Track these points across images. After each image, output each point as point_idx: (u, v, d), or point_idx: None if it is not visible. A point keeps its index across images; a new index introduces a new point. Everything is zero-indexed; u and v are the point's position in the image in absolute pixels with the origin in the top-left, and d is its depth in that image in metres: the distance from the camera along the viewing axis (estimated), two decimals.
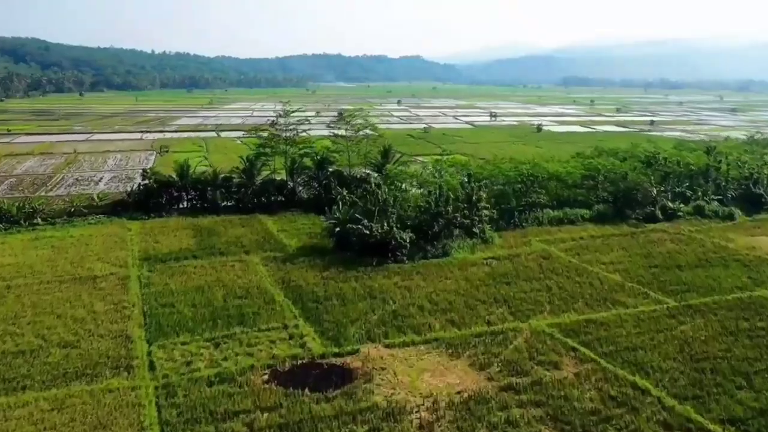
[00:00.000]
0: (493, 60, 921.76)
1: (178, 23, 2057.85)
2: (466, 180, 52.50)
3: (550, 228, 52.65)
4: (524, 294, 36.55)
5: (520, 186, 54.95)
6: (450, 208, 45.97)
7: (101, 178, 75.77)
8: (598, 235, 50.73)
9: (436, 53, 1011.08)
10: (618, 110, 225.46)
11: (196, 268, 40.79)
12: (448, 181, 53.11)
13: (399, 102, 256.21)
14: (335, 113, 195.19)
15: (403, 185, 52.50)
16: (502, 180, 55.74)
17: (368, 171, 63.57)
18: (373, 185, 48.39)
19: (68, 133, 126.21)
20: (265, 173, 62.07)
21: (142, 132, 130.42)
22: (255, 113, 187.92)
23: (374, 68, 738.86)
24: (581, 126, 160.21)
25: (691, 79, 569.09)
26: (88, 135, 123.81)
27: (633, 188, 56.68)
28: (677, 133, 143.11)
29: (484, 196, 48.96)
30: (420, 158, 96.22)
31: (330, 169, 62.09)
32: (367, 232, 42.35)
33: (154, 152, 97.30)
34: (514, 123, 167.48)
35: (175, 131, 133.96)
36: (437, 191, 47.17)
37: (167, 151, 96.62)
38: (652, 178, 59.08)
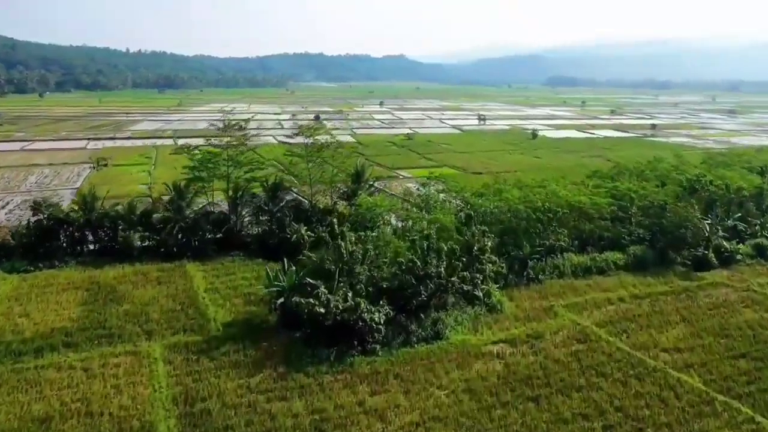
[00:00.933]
0: (477, 60, 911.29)
1: (158, 22, 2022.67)
2: (463, 219, 39.16)
3: (574, 282, 39.33)
4: (563, 424, 23.17)
5: (534, 224, 41.45)
6: (443, 265, 32.46)
7: (8, 203, 61.13)
8: (642, 293, 37.49)
9: (419, 53, 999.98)
10: (612, 112, 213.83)
11: (60, 372, 26.83)
12: (438, 218, 39.65)
13: (381, 103, 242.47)
14: (312, 116, 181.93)
15: (379, 228, 38.68)
16: (510, 214, 42.33)
17: (337, 199, 49.95)
18: (335, 230, 34.64)
19: (4, 141, 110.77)
20: (202, 202, 48.05)
21: (89, 139, 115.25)
22: (225, 116, 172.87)
23: (357, 68, 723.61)
24: (578, 131, 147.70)
25: (679, 79, 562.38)
26: (26, 143, 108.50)
27: (679, 224, 43.55)
28: (683, 139, 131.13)
29: (489, 244, 35.40)
30: (402, 173, 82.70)
31: (286, 198, 48.22)
32: (322, 310, 28.65)
33: (91, 165, 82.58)
34: (506, 127, 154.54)
35: (128, 138, 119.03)
36: (424, 242, 33.43)
37: (105, 165, 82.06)
38: (696, 207, 46.13)
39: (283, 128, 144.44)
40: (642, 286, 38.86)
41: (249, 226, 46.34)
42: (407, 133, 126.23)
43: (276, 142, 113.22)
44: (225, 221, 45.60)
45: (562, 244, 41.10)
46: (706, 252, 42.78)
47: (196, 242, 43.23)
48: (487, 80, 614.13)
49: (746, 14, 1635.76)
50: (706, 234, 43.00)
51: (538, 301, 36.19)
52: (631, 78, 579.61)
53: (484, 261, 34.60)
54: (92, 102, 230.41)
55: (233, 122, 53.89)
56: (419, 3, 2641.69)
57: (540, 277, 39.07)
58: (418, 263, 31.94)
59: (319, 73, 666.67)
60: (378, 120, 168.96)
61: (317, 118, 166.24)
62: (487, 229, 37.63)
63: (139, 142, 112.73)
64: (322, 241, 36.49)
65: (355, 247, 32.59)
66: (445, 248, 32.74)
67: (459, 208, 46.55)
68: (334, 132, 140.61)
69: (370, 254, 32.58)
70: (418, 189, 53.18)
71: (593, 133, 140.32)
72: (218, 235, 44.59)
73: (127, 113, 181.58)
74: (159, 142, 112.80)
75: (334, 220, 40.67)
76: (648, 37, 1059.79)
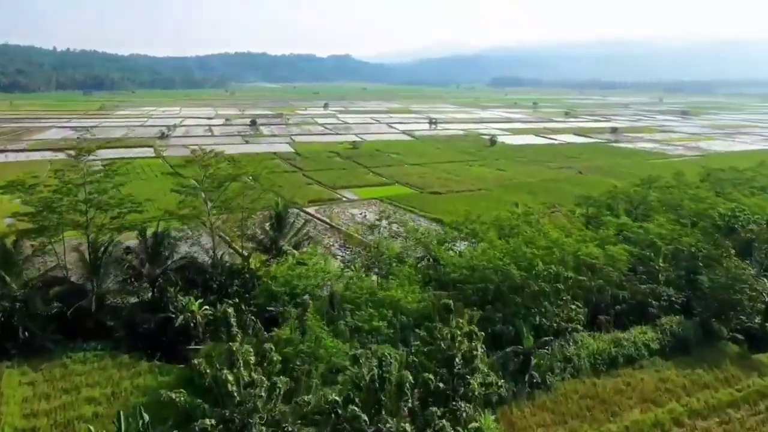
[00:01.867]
0: (422, 59, 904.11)
1: (89, 18, 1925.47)
2: (435, 299, 26.02)
3: (597, 384, 26.63)
4: None
5: (534, 295, 28.44)
6: (406, 406, 18.92)
7: None
8: (702, 406, 24.97)
9: (365, 53, 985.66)
10: (567, 114, 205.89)
11: None
12: (396, 300, 26.33)
13: (326, 105, 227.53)
14: (249, 120, 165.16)
15: (304, 320, 24.89)
16: (496, 277, 29.27)
17: (252, 250, 35.72)
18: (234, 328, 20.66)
19: None
20: (46, 264, 32.91)
21: None
22: (149, 122, 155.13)
23: (303, 68, 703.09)
24: (536, 136, 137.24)
25: (622, 79, 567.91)
26: None
27: (727, 284, 31.37)
28: (648, 145, 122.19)
29: (480, 357, 22.11)
30: (346, 194, 68.77)
31: (175, 255, 33.62)
32: None
33: None
34: (459, 132, 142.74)
35: (22, 150, 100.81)
36: (376, 374, 19.61)
37: None
38: (733, 252, 34.27)
39: (213, 135, 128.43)
40: (696, 387, 26.41)
41: (116, 299, 31.55)
42: (353, 141, 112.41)
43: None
44: (77, 294, 30.70)
45: (578, 326, 28.20)
46: (763, 320, 30.92)
47: (26, 332, 28.29)
48: (433, 80, 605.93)
49: (684, 16, 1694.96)
50: (766, 298, 31.00)
51: (553, 428, 23.20)
52: (576, 78, 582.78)
53: (471, 380, 21.29)
54: (1, 106, 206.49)
55: (85, 150, 38.14)
56: (363, 1, 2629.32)
57: (548, 379, 26.10)
58: (364, 420, 18.04)
59: (263, 73, 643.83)
60: (321, 125, 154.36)
61: (253, 122, 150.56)
62: (473, 314, 24.46)
63: (36, 155, 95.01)
64: (224, 325, 22.97)
65: (253, 377, 18.68)
66: (410, 381, 19.01)
67: (424, 266, 33.37)
68: (271, 139, 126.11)
69: (277, 392, 18.67)
70: (365, 235, 39.98)
71: (554, 139, 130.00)
72: (68, 313, 29.76)
73: (38, 119, 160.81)
74: (59, 156, 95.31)
75: (242, 291, 26.87)
76: (590, 38, 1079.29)
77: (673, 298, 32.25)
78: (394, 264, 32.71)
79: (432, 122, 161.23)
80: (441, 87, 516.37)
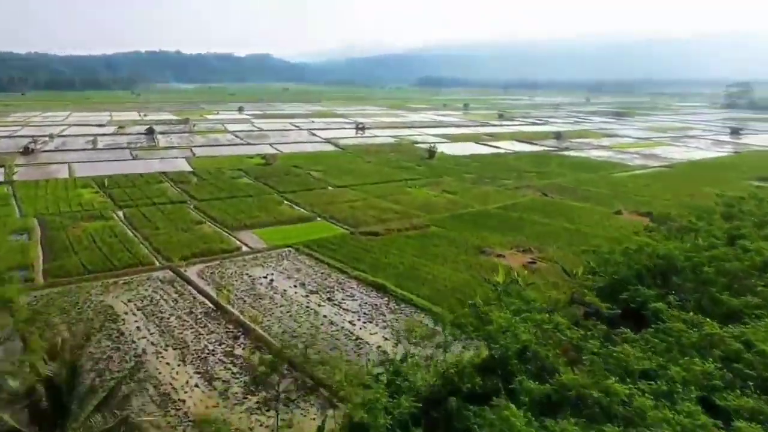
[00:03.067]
0: (347, 59, 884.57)
1: None
2: None
3: None
4: None
5: None
6: None
7: None
8: None
9: (287, 51, 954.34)
10: (501, 117, 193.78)
11: None
12: None
13: (240, 109, 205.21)
14: (145, 128, 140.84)
15: None
16: None
17: None
18: None
19: None
20: None
21: None
22: (24, 131, 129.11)
23: (221, 68, 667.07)
24: (477, 143, 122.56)
25: (544, 79, 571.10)
26: None
27: None
28: (600, 153, 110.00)
29: None
30: (248, 239, 49.49)
31: None
32: None
33: None
34: (390, 139, 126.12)
35: None
36: None
37: None
38: None
39: (94, 148, 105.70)
40: None
41: None
42: (265, 156, 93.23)
43: None
44: None
45: None
46: None
47: None
48: (358, 80, 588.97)
49: (601, 16, 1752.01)
50: None
51: None
52: (499, 78, 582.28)
53: None
54: None
55: None
56: None
57: None
58: None
59: (177, 73, 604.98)
60: (231, 132, 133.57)
61: (150, 131, 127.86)
62: None
63: None
64: None
65: None
66: None
67: None
68: (166, 153, 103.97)
69: None
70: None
71: (497, 147, 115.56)
72: None
73: None
74: None
75: None
76: (510, 38, 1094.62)
77: None
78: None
79: (359, 127, 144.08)
80: (366, 87, 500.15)
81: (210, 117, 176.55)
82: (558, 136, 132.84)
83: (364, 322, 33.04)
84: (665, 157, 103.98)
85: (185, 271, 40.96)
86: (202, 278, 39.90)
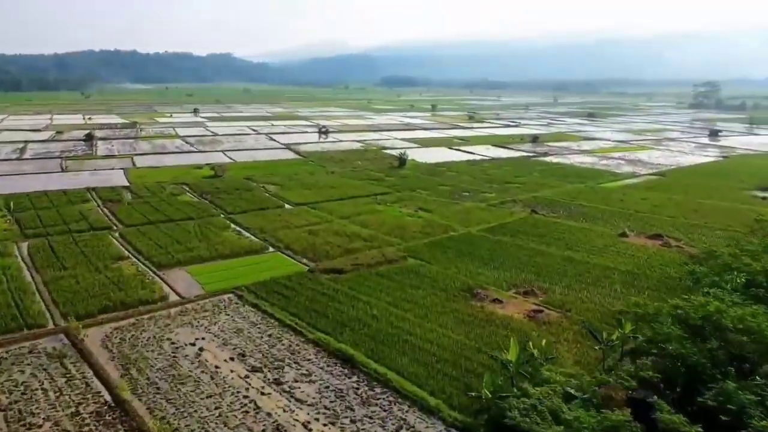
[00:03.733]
0: (309, 59, 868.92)
1: None
2: None
3: None
4: None
5: None
6: None
7: None
8: None
9: (248, 51, 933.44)
10: (471, 118, 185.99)
11: None
12: None
13: (195, 111, 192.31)
14: (85, 133, 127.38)
15: None
16: None
17: None
18: None
19: None
20: None
21: None
22: None
23: (180, 67, 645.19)
24: (450, 149, 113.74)
25: (508, 78, 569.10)
26: None
27: None
28: (584, 159, 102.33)
29: None
30: (179, 285, 37.79)
31: None
32: None
33: None
34: (356, 144, 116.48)
35: None
36: None
37: None
38: None
39: (20, 158, 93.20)
40: None
41: None
42: (215, 166, 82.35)
43: None
44: None
45: None
46: None
47: None
48: (321, 81, 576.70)
49: (561, 16, 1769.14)
50: None
51: None
52: (463, 78, 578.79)
53: None
54: None
55: None
56: None
57: None
58: None
59: (134, 73, 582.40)
60: (182, 138, 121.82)
61: (89, 137, 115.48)
62: None
63: None
64: None
65: None
66: None
67: None
68: (103, 163, 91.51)
69: None
70: None
71: (471, 153, 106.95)
72: None
73: None
74: None
75: None
76: (471, 37, 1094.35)
77: None
78: None
79: (322, 131, 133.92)
80: (329, 87, 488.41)
81: (161, 120, 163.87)
82: (535, 139, 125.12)
83: (325, 425, 23.38)
84: (651, 163, 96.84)
85: (85, 337, 30.54)
86: (107, 348, 29.59)
